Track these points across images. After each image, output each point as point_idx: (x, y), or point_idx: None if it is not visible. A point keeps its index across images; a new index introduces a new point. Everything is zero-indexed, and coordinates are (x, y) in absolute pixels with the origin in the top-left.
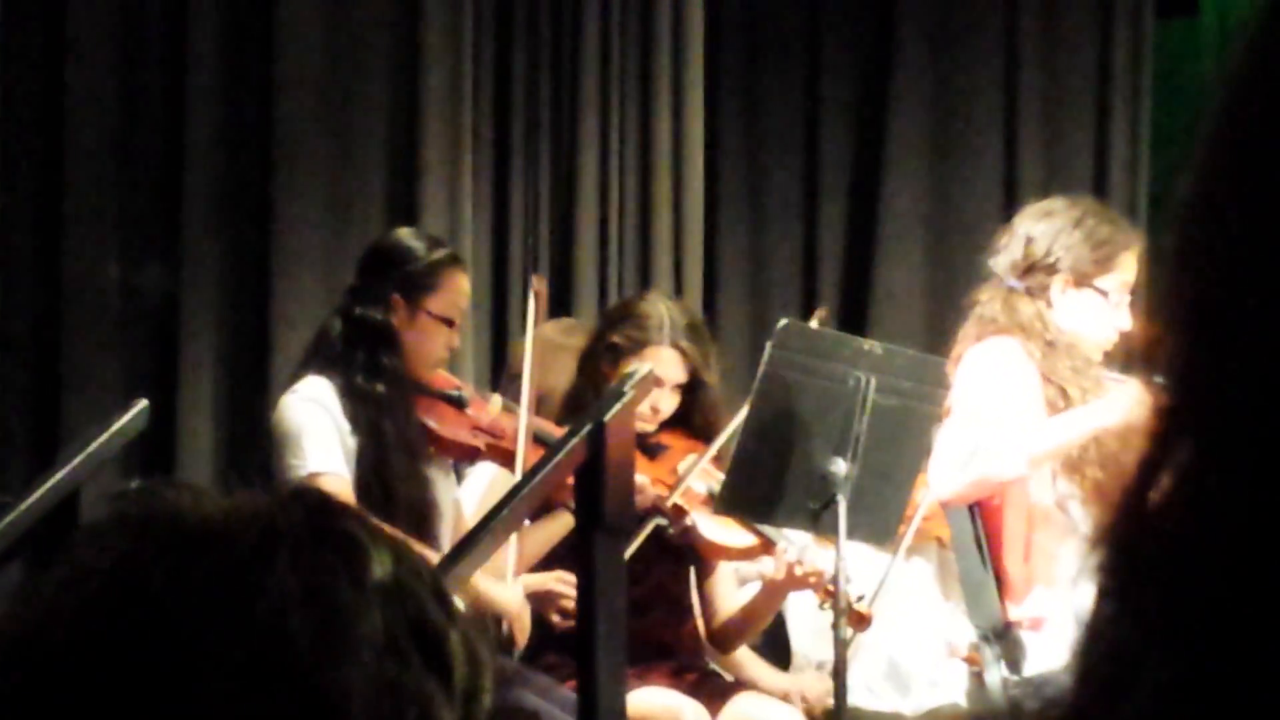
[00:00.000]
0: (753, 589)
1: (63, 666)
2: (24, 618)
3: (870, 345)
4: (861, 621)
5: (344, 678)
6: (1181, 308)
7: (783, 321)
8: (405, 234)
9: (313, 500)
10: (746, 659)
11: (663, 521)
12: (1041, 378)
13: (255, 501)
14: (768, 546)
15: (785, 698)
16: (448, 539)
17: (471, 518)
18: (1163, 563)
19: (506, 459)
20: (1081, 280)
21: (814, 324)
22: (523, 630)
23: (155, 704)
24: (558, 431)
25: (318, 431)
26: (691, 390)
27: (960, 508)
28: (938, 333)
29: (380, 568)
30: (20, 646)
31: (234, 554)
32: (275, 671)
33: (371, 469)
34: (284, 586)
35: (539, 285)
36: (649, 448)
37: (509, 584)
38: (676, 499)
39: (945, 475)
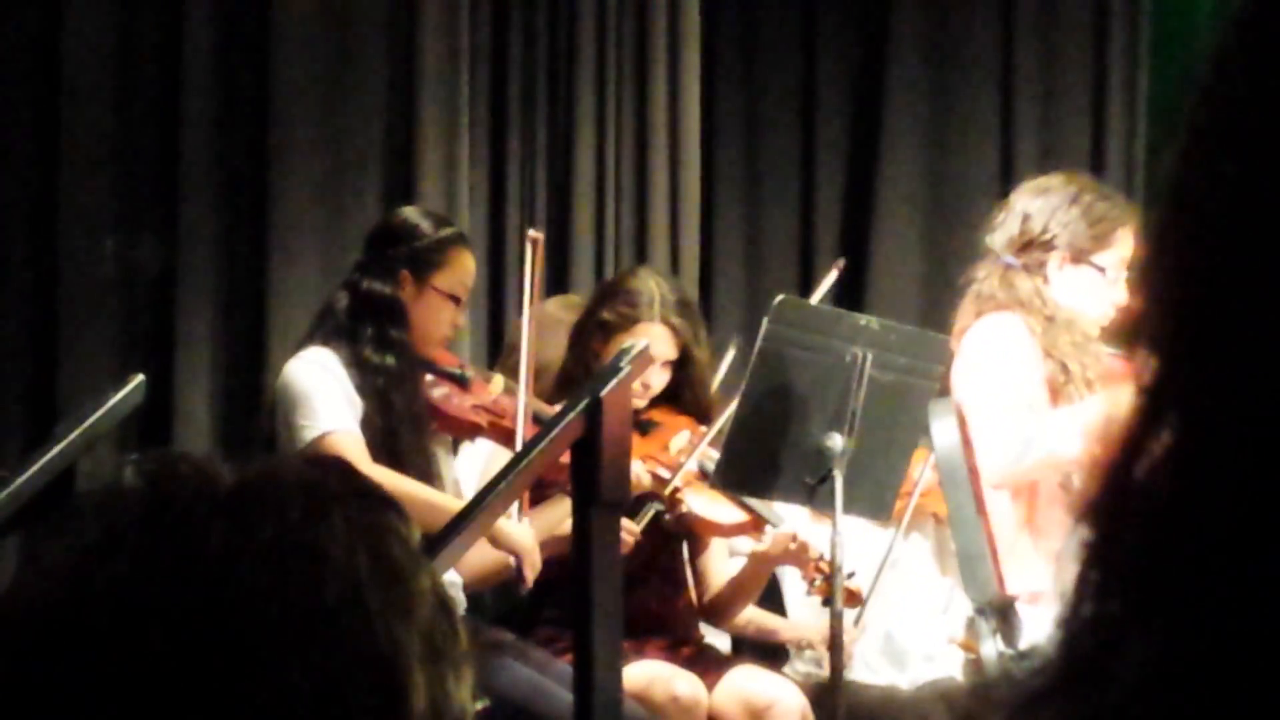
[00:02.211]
0: (743, 561)
1: (105, 633)
2: (46, 586)
3: (867, 320)
4: (852, 599)
5: (406, 636)
6: (1168, 281)
7: (779, 297)
8: (413, 212)
9: (340, 464)
10: (752, 614)
11: (660, 507)
12: (1042, 353)
13: (284, 465)
14: (758, 523)
15: (799, 643)
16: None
17: (471, 493)
18: (1147, 536)
19: (507, 437)
20: (1079, 256)
21: (834, 273)
22: (533, 567)
23: (221, 668)
24: (554, 412)
25: (327, 392)
26: (681, 367)
27: (961, 483)
28: (935, 309)
29: (415, 532)
30: (48, 616)
31: (289, 516)
32: (349, 631)
33: (381, 442)
34: (347, 547)
35: (535, 235)
36: (640, 424)
37: (517, 521)
38: (671, 489)
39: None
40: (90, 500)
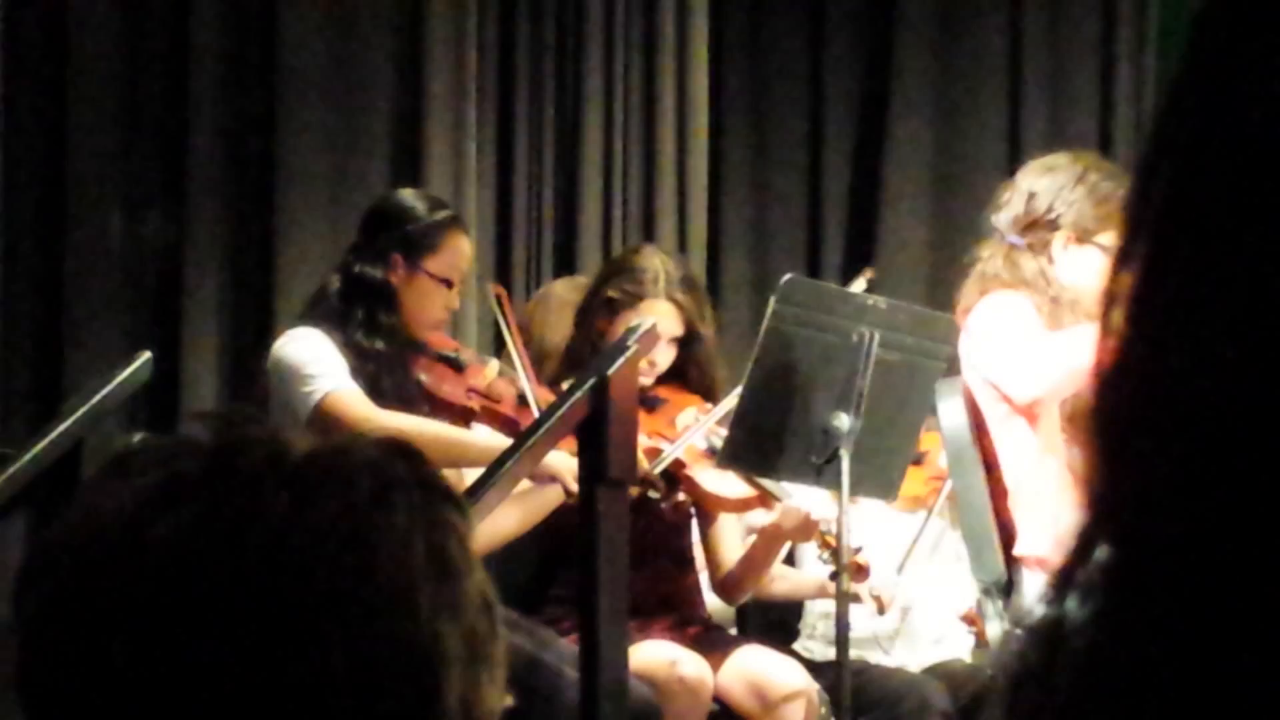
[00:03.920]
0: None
1: (157, 581)
2: (102, 526)
3: (874, 300)
4: (860, 572)
5: (449, 634)
6: (1144, 240)
7: (787, 276)
8: (407, 194)
9: (407, 450)
10: (780, 570)
11: (653, 494)
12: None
13: (356, 445)
14: (765, 498)
15: (821, 590)
16: None
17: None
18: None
19: (500, 422)
20: (1083, 236)
21: (862, 282)
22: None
23: (264, 635)
24: (553, 399)
25: (323, 356)
26: (687, 344)
27: (969, 463)
28: (942, 289)
29: (474, 529)
30: (102, 556)
31: (354, 496)
32: (395, 620)
33: None
34: (407, 536)
35: (498, 289)
36: (646, 401)
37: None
38: (669, 462)
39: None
40: (157, 447)
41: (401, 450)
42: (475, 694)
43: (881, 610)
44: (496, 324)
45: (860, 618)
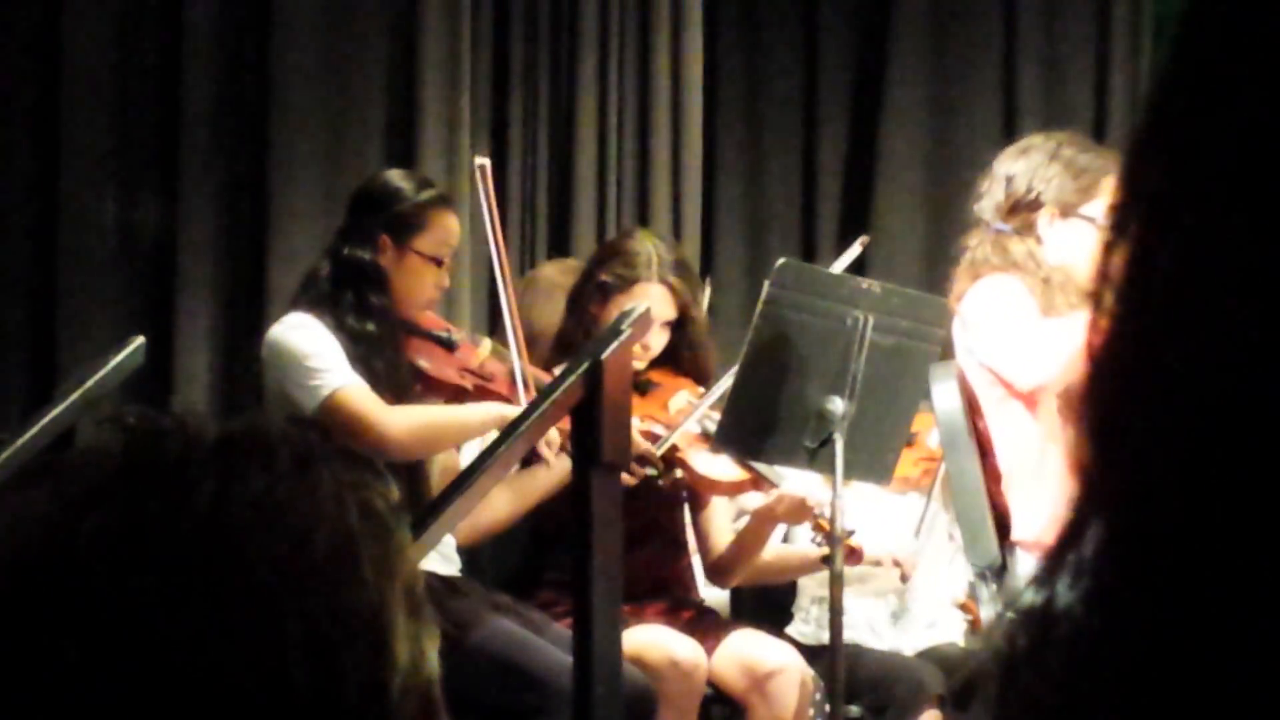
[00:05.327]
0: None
1: (90, 584)
2: (23, 537)
3: (869, 284)
4: (853, 555)
5: (391, 590)
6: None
7: (781, 260)
8: (394, 174)
9: (316, 426)
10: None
11: (652, 472)
12: (1040, 315)
13: (267, 422)
14: (759, 481)
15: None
16: (437, 480)
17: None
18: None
19: (494, 401)
20: (1067, 210)
21: (857, 249)
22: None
23: (215, 618)
24: (545, 377)
25: (326, 350)
26: (679, 327)
27: (962, 446)
28: (937, 270)
29: (394, 492)
30: (27, 566)
31: (277, 468)
32: (341, 582)
33: None
34: (338, 500)
35: (481, 161)
36: (639, 385)
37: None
38: (668, 446)
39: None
40: (71, 458)
41: (311, 426)
42: (420, 650)
43: (905, 578)
44: (490, 305)
45: (854, 602)
